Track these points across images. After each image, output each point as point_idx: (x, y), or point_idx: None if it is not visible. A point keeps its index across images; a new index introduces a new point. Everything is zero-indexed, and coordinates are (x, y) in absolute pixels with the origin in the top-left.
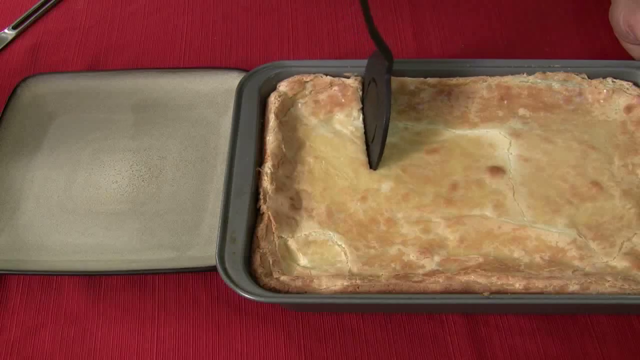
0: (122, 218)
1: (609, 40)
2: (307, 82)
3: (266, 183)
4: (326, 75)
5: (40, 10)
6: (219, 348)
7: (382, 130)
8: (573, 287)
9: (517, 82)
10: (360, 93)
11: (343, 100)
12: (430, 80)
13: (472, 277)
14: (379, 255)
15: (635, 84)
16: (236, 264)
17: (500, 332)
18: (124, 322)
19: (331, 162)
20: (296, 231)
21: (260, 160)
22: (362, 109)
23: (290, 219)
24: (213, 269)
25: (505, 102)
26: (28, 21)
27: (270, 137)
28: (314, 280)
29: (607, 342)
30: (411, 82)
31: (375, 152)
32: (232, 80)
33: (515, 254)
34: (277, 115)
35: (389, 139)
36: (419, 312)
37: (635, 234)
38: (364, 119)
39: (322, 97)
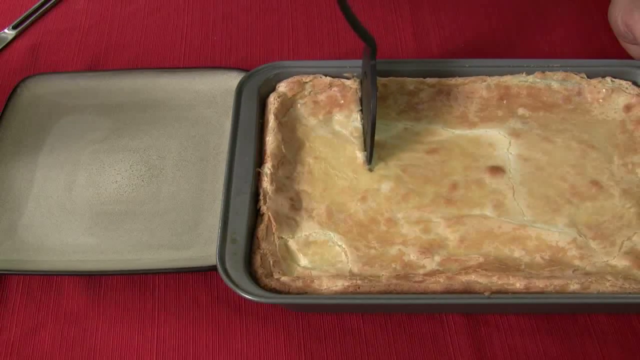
0: (122, 218)
1: (608, 40)
2: (307, 82)
3: (266, 183)
4: (325, 75)
5: (40, 10)
6: (219, 348)
7: (370, 118)
8: (574, 286)
9: (516, 81)
10: (360, 94)
11: (342, 101)
12: (429, 80)
13: (472, 277)
14: (379, 255)
15: (635, 83)
16: (236, 265)
17: (500, 332)
18: (124, 322)
19: (331, 163)
20: (296, 232)
21: (260, 161)
22: (361, 108)
23: (290, 219)
24: (213, 269)
25: (505, 101)
26: (28, 21)
27: (270, 138)
28: (315, 280)
29: (607, 342)
30: (410, 82)
31: (368, 144)
32: (232, 80)
33: (516, 254)
34: (276, 116)
35: (389, 140)
36: (419, 312)
37: (636, 233)
38: (362, 117)
39: (322, 97)
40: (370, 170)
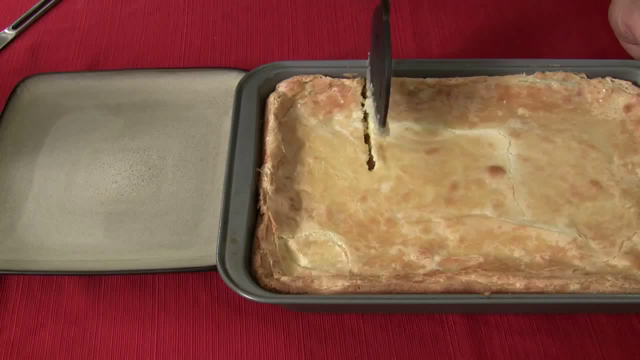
0: (122, 218)
1: (609, 40)
2: (307, 82)
3: (266, 184)
4: (325, 75)
5: (40, 10)
6: (219, 348)
7: (386, 75)
8: (573, 286)
9: (516, 81)
10: (360, 88)
11: (342, 102)
12: (429, 80)
13: (472, 277)
14: (379, 255)
15: (635, 83)
16: (236, 265)
17: (500, 331)
18: (124, 322)
19: (331, 163)
20: (296, 232)
21: (260, 161)
22: (371, 70)
23: (290, 219)
24: (213, 269)
25: (505, 101)
26: (28, 21)
27: (270, 138)
28: (315, 280)
29: (607, 342)
30: (410, 82)
31: (381, 106)
32: (232, 80)
33: (516, 254)
34: (276, 116)
35: (389, 140)
36: (419, 312)
37: (635, 233)
38: (372, 84)
39: (322, 97)
40: (384, 132)
